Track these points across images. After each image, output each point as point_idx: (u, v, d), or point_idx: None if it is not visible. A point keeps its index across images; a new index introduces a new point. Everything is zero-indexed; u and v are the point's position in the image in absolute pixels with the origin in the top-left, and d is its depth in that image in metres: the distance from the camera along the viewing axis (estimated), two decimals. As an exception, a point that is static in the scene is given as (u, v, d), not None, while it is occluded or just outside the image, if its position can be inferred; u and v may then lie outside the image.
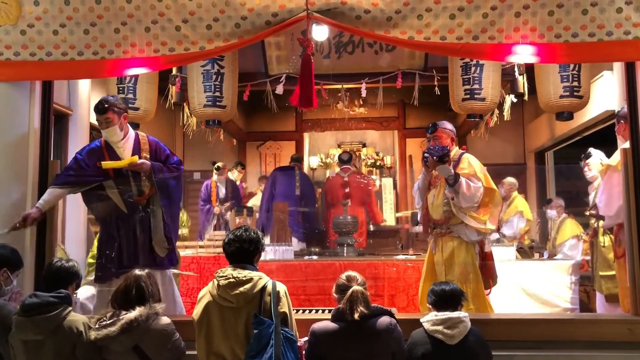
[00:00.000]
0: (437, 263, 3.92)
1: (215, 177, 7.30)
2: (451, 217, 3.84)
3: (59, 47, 3.49)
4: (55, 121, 3.76)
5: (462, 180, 3.70)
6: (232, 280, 2.69)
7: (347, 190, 6.74)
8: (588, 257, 5.18)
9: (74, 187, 3.74)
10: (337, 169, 7.18)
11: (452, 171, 3.73)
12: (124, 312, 2.70)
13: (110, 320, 2.69)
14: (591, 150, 4.82)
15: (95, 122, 5.70)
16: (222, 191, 7.25)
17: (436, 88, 5.66)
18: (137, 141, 3.88)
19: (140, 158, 3.76)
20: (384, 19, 3.30)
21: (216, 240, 5.60)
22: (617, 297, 4.30)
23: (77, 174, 3.72)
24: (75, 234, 4.86)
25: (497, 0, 3.22)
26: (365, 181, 7.07)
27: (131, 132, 3.89)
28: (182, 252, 5.46)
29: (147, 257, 3.75)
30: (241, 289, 2.68)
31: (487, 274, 3.88)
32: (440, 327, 2.84)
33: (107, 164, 3.70)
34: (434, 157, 3.70)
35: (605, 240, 4.57)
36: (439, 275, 3.89)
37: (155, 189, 3.81)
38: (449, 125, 4.01)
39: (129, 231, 3.77)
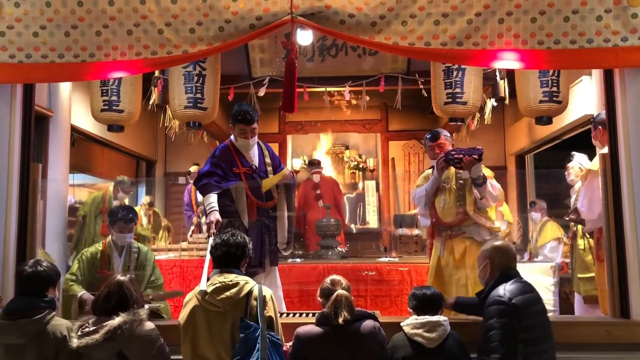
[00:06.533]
0: (446, 266, 3.90)
1: (190, 181, 7.22)
2: (464, 219, 3.86)
3: (39, 50, 3.44)
4: (35, 123, 3.71)
5: (488, 180, 3.75)
6: (218, 284, 2.69)
7: (317, 192, 6.78)
8: (568, 260, 5.25)
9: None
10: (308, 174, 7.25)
11: (482, 172, 3.76)
12: (107, 319, 2.67)
13: (93, 328, 2.66)
14: (573, 154, 4.89)
15: (76, 124, 5.72)
16: (200, 195, 7.12)
17: (423, 91, 5.70)
18: (259, 145, 4.09)
19: (265, 164, 4.02)
20: (368, 24, 3.32)
21: (199, 243, 5.57)
22: (595, 299, 4.37)
23: (221, 179, 3.87)
24: (56, 235, 4.81)
25: (481, 7, 3.26)
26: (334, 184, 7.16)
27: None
28: (165, 256, 5.44)
29: (271, 257, 4.01)
30: (227, 293, 2.68)
31: None
32: (420, 331, 2.86)
33: (266, 183, 3.92)
34: (474, 156, 3.68)
35: (583, 243, 4.64)
36: (447, 277, 3.87)
37: (280, 195, 4.05)
38: (447, 133, 4.09)
39: (256, 232, 3.90)
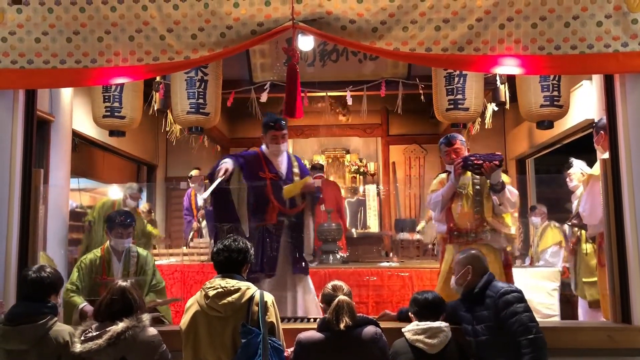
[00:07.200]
0: None
1: (191, 185, 7.22)
2: (481, 225, 3.83)
3: (41, 55, 3.46)
4: (36, 128, 3.72)
5: (506, 186, 3.73)
6: (220, 290, 2.70)
7: (320, 196, 6.79)
8: (569, 264, 5.24)
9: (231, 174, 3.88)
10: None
11: (501, 178, 3.73)
12: (110, 325, 2.68)
13: (96, 333, 2.66)
14: (572, 160, 4.89)
15: (78, 129, 5.73)
16: (200, 199, 7.11)
17: (422, 97, 5.71)
18: (287, 155, 4.21)
19: (293, 174, 4.09)
20: (369, 29, 3.33)
21: (200, 248, 5.57)
22: (600, 303, 4.36)
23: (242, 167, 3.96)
24: (58, 240, 4.81)
25: (482, 13, 3.27)
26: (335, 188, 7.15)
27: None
28: (166, 261, 5.44)
29: (298, 265, 4.06)
30: (229, 298, 2.68)
31: (510, 282, 3.79)
32: (421, 337, 2.88)
33: (287, 190, 3.96)
34: (495, 162, 3.65)
35: (586, 247, 4.63)
36: None
37: (306, 204, 4.13)
38: (462, 137, 4.05)
39: (277, 237, 3.99)
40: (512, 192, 3.77)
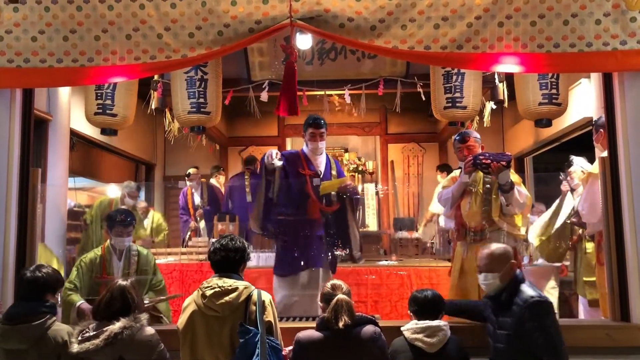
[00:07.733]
0: (469, 271, 3.80)
1: (188, 183, 7.19)
2: (488, 224, 3.81)
3: (38, 54, 3.45)
4: (34, 127, 3.71)
5: (515, 187, 3.70)
6: (217, 289, 2.69)
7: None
8: (567, 262, 5.24)
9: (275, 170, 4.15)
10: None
11: (510, 178, 3.71)
12: (107, 324, 2.67)
13: (94, 333, 2.66)
14: (573, 158, 4.87)
15: (76, 128, 5.72)
16: (197, 198, 7.10)
17: (422, 95, 5.69)
18: (327, 159, 4.41)
19: (331, 174, 4.30)
20: (367, 27, 3.33)
21: (199, 247, 5.56)
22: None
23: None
24: (56, 239, 4.80)
25: (481, 10, 3.27)
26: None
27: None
28: (164, 260, 5.42)
29: (327, 260, 4.24)
30: (226, 298, 2.67)
31: None
32: (420, 336, 2.87)
33: (324, 186, 4.16)
34: (502, 163, 3.62)
35: (588, 246, 4.62)
36: (469, 284, 3.78)
37: (340, 205, 4.27)
38: (476, 134, 4.02)
39: (314, 233, 4.22)
40: (521, 192, 3.73)
